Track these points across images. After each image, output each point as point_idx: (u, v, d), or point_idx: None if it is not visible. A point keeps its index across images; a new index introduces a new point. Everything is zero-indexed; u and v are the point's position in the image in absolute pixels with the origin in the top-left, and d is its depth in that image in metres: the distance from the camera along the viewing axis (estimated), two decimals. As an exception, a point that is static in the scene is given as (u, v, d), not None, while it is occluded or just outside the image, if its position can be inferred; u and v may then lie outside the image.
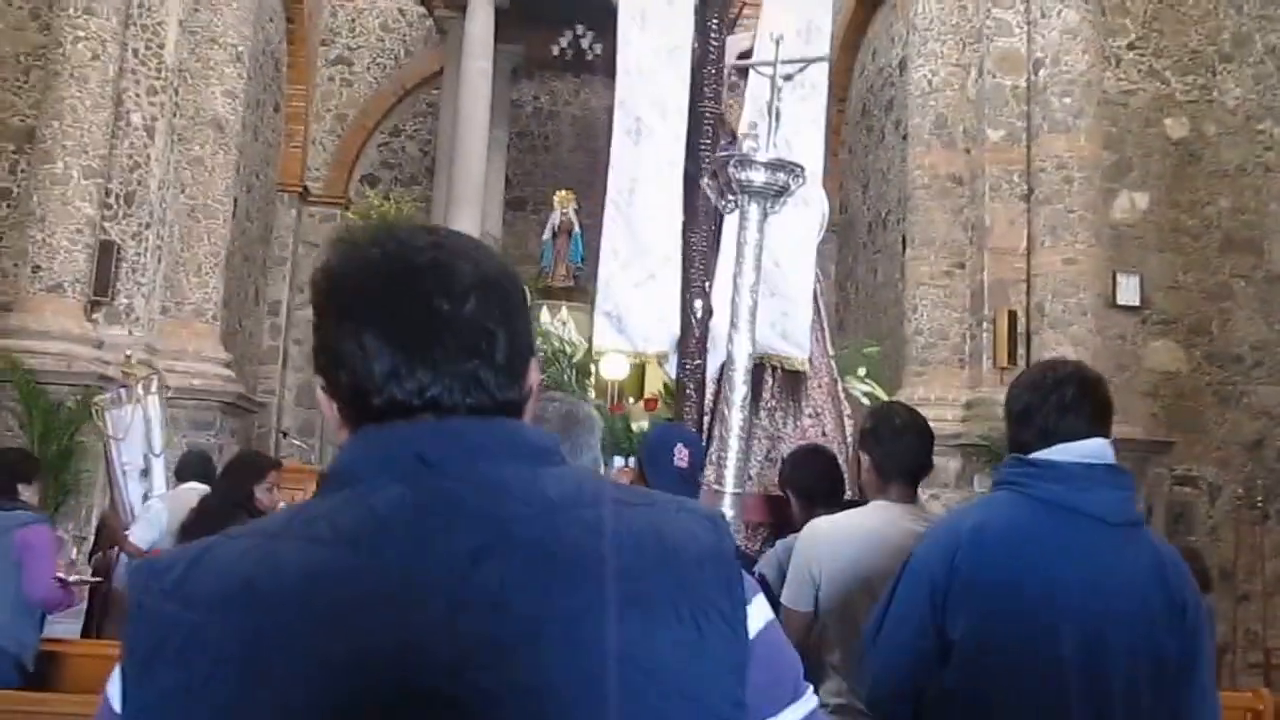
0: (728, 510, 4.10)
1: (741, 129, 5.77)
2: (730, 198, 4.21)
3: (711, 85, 6.11)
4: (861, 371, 10.72)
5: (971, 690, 2.48)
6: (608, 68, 16.57)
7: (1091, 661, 2.41)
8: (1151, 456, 10.70)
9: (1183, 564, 2.61)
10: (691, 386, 5.65)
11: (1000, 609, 2.47)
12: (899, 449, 3.61)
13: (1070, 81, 10.82)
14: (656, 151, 5.68)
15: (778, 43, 4.74)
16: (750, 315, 4.11)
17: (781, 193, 4.19)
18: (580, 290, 14.43)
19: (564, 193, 15.36)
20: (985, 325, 10.98)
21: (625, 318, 5.51)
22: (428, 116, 16.91)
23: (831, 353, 6.34)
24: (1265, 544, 10.97)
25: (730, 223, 4.93)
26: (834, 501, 4.03)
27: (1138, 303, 11.31)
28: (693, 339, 5.56)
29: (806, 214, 5.65)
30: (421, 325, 1.17)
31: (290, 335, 16.39)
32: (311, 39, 16.11)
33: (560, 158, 17.13)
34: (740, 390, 4.23)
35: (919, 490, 3.77)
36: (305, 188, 16.21)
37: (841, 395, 6.16)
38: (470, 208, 14.09)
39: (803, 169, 4.02)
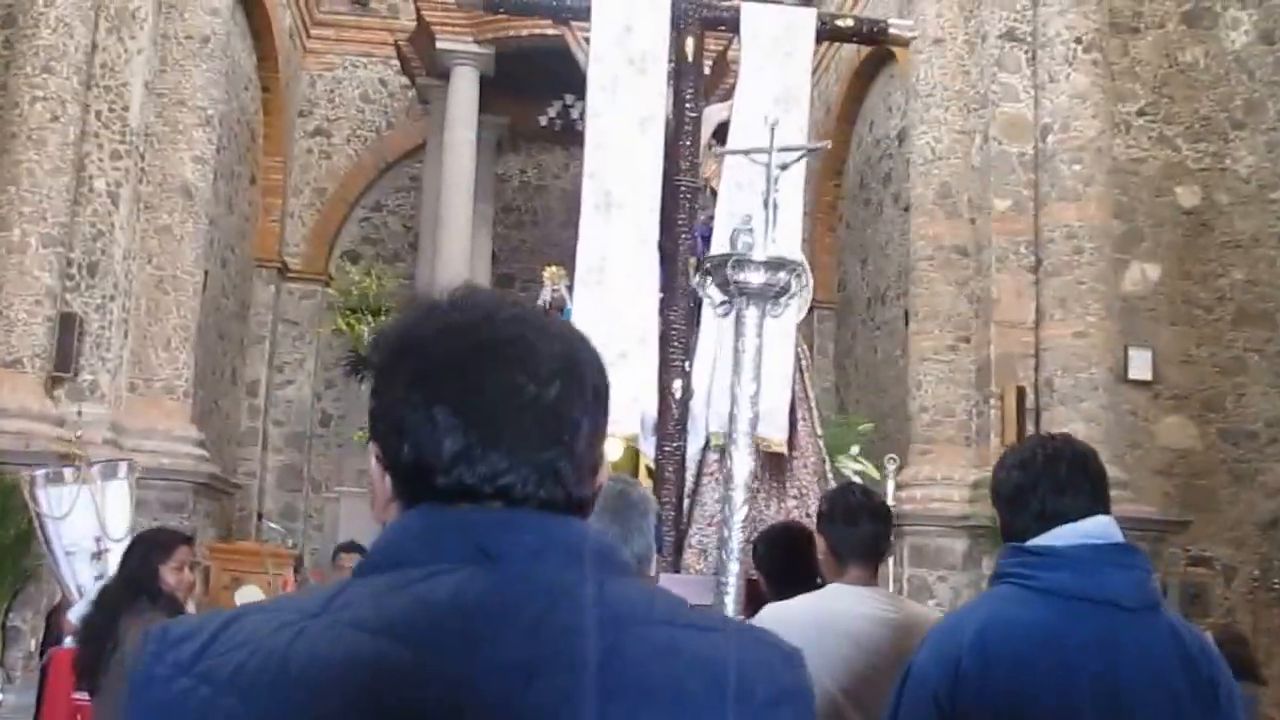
0: (705, 597, 4.13)
1: (722, 216, 5.62)
2: (725, 300, 3.98)
3: (687, 157, 5.98)
4: (855, 450, 10.22)
5: None
6: None
7: None
8: (1166, 536, 10.16)
9: (1210, 645, 2.47)
10: (670, 468, 5.46)
11: (1014, 717, 2.29)
12: (854, 532, 3.51)
13: (1080, 148, 10.43)
14: (628, 226, 5.50)
15: (773, 128, 4.50)
16: (750, 428, 3.92)
17: (782, 293, 3.97)
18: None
19: (554, 268, 14.76)
20: (992, 401, 10.51)
21: None
22: (411, 191, 16.46)
23: (819, 433, 6.12)
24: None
25: (709, 304, 4.78)
26: (808, 582, 3.87)
27: (1150, 377, 10.86)
28: (671, 420, 5.39)
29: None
30: (502, 404, 1.08)
31: (270, 416, 15.81)
32: (288, 109, 15.68)
33: (549, 233, 16.67)
34: (740, 496, 4.18)
35: (878, 572, 3.72)
36: (284, 263, 15.69)
37: (829, 474, 6.08)
38: (455, 283, 13.62)
39: (804, 266, 3.85)
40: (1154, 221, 11.14)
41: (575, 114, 14.68)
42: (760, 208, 4.28)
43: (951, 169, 11.13)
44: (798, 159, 4.98)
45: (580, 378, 1.10)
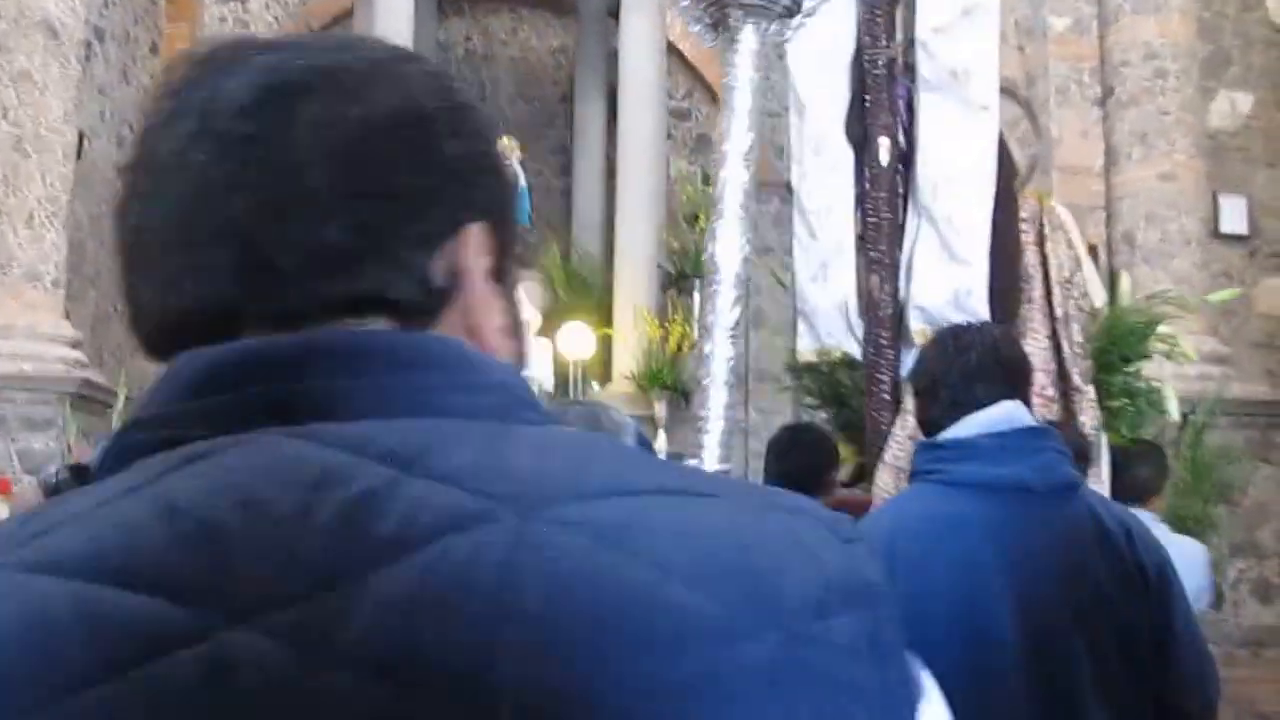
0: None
1: None
2: (708, 20, 3.01)
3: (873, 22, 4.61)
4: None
5: None
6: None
7: (1040, 655, 2.20)
8: (1277, 421, 8.35)
9: (1143, 528, 2.41)
10: (885, 382, 4.39)
11: (924, 620, 2.09)
12: None
13: (1157, -51, 8.47)
14: (817, 113, 4.74)
15: None
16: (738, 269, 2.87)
17: (789, 13, 2.99)
18: (528, 255, 11.88)
19: (506, 140, 12.76)
20: (1058, 265, 8.58)
21: (813, 315, 4.77)
22: (340, 62, 14.24)
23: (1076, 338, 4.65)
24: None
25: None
26: (825, 488, 3.74)
27: (1246, 231, 8.97)
28: (876, 325, 4.48)
29: (980, 124, 4.45)
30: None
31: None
32: (194, -32, 13.38)
33: (498, 107, 14.51)
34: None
35: None
36: (194, 146, 13.48)
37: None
38: None
39: None
40: (1243, 41, 9.21)
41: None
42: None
43: (995, -16, 9.13)
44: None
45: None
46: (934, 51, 4.45)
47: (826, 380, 5.10)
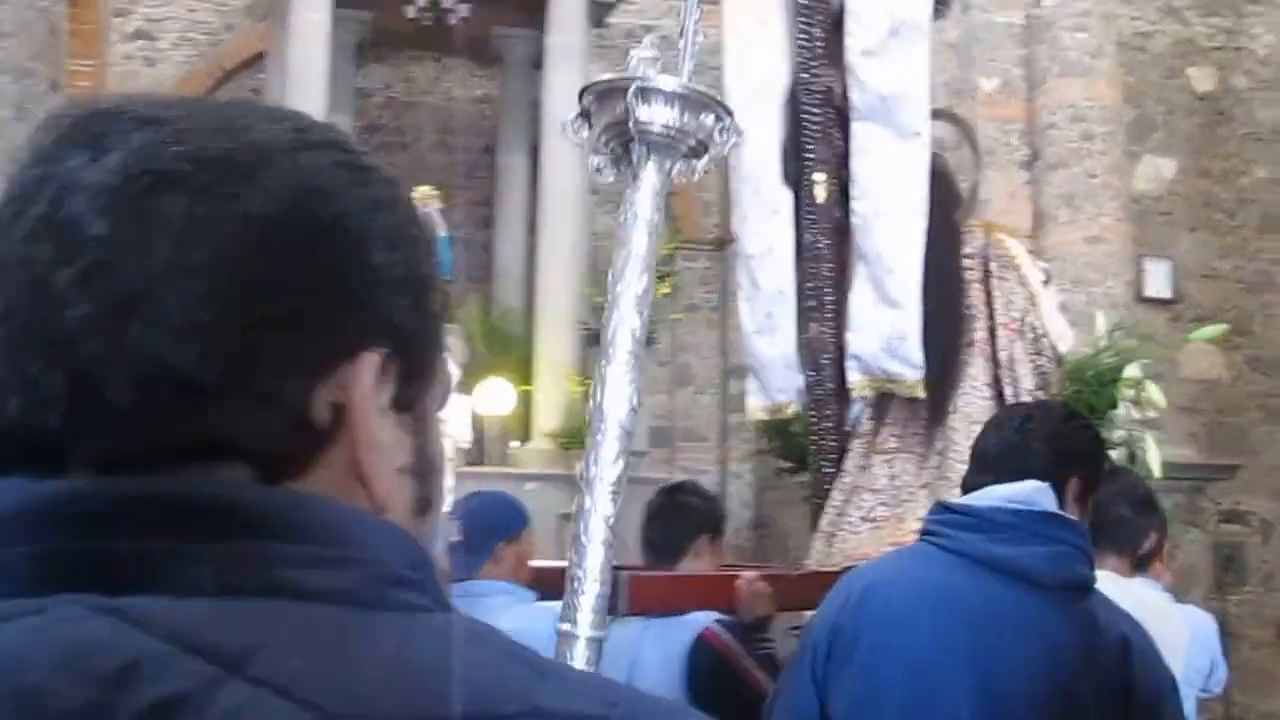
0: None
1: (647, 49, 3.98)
2: (604, 151, 2.45)
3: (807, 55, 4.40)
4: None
5: None
6: (475, 46, 13.15)
7: None
8: (1203, 488, 8.35)
9: (1145, 642, 2.16)
10: (831, 438, 4.20)
11: (883, 683, 2.12)
12: None
13: (1084, 13, 8.55)
14: (754, 151, 4.34)
15: None
16: (632, 347, 2.19)
17: (696, 153, 2.46)
18: (448, 309, 11.60)
19: (425, 189, 12.50)
20: (984, 328, 8.54)
21: (761, 370, 4.46)
22: (254, 106, 13.90)
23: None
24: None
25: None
26: (692, 556, 3.46)
27: (1169, 295, 9.01)
28: (820, 381, 4.22)
29: (911, 151, 4.09)
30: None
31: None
32: (101, 6, 12.98)
33: (419, 156, 14.27)
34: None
35: None
36: (98, 189, 13.04)
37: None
38: None
39: (731, 115, 2.32)
40: (1166, 108, 9.31)
41: (447, 3, 12.33)
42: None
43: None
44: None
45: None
46: (864, 77, 4.14)
47: (794, 440, 4.85)
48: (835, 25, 4.23)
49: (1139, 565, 3.26)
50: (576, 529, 1.81)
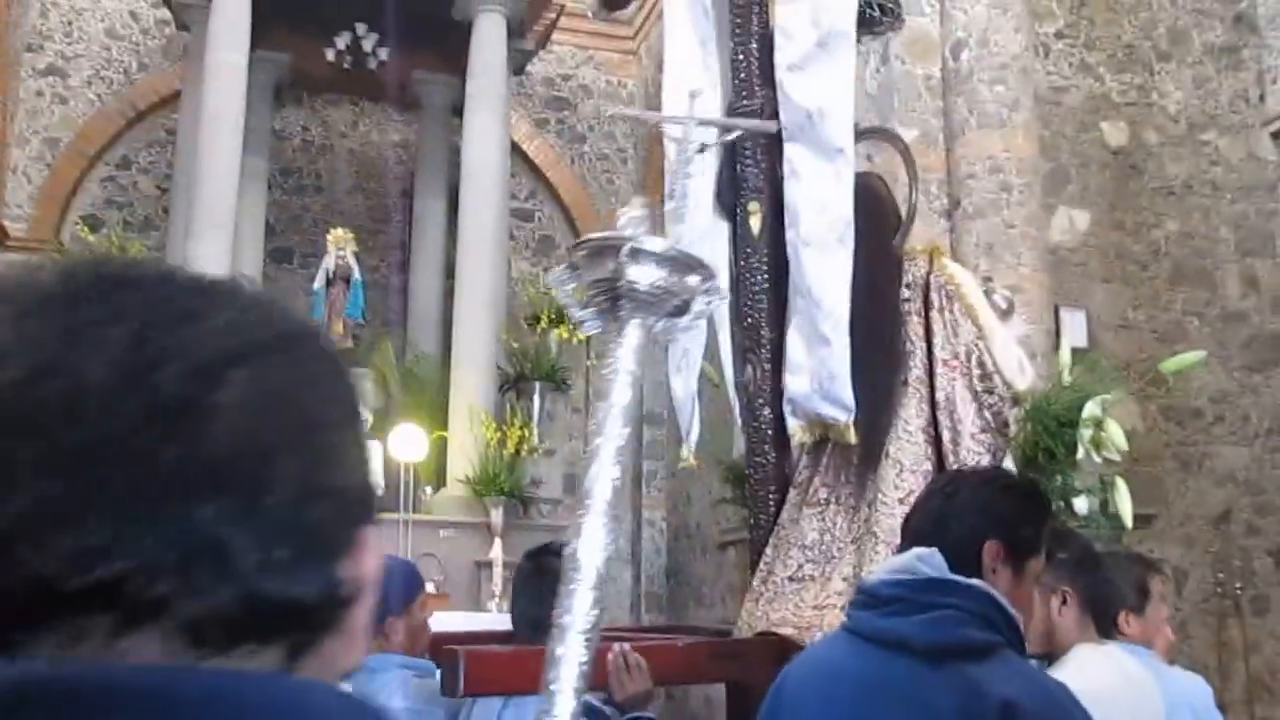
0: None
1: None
2: (594, 306, 2.29)
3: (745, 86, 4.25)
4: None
5: None
6: (395, 91, 13.07)
7: None
8: (1120, 537, 8.37)
9: (1048, 710, 2.02)
10: (772, 489, 3.99)
11: None
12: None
13: (1002, 66, 8.58)
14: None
15: (692, 97, 3.44)
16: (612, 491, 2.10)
17: (679, 311, 2.36)
18: (361, 353, 11.42)
19: (340, 231, 12.36)
20: (903, 376, 8.53)
21: (679, 410, 4.35)
22: (167, 146, 13.52)
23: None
24: (1238, 639, 8.87)
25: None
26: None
27: (1085, 344, 9.07)
28: (758, 429, 4.03)
29: (835, 170, 3.85)
30: None
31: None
32: (11, 41, 12.65)
33: (334, 200, 14.08)
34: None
35: None
36: (2, 228, 12.59)
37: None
38: (217, 254, 10.61)
39: (714, 277, 2.15)
40: (1080, 161, 9.42)
41: (368, 46, 12.21)
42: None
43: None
44: (718, 142, 3.78)
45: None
46: (790, 92, 3.89)
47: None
48: (769, 46, 4.05)
49: (1107, 629, 3.06)
50: (547, 676, 1.72)
